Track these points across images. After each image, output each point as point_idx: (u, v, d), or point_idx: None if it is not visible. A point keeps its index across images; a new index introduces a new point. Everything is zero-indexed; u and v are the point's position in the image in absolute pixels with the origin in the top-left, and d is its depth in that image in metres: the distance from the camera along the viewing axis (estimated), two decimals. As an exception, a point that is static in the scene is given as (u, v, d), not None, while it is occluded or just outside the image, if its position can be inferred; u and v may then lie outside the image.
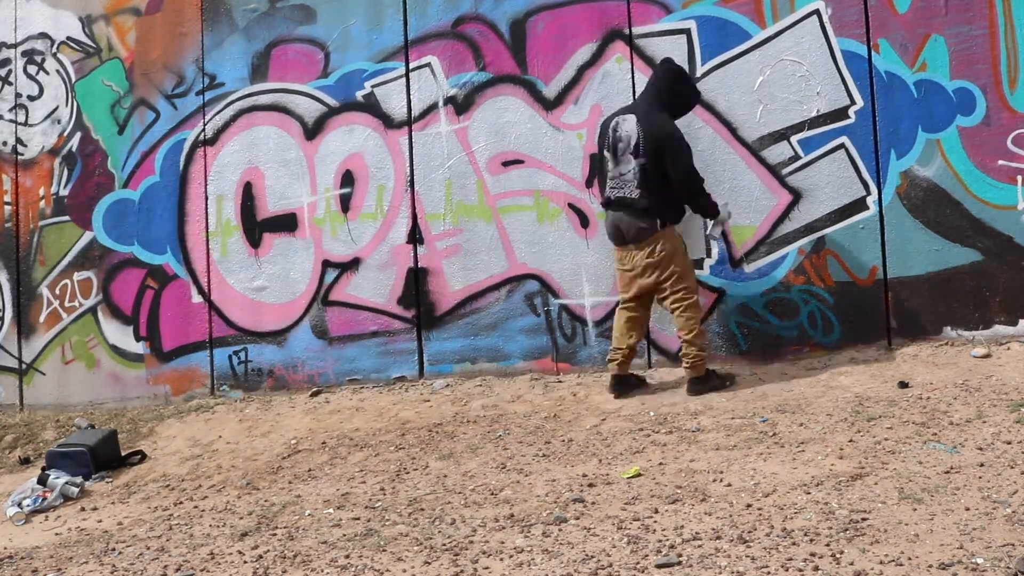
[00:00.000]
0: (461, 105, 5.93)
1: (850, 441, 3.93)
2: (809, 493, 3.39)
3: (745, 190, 5.40)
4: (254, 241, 6.34)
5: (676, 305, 4.93)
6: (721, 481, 3.65)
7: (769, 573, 2.73)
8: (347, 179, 6.15)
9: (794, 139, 5.36)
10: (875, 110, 5.24)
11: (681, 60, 5.50)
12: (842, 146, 5.29)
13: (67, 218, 6.81)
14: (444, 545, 3.29)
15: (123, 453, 5.46)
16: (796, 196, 5.36)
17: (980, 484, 3.29)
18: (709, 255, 5.46)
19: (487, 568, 3.04)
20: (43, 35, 6.95)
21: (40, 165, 6.92)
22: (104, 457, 5.28)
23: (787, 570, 2.74)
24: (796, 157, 5.36)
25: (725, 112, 5.45)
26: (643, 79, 5.58)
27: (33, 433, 6.26)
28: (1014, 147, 5.04)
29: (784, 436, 4.11)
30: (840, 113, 5.30)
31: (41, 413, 6.63)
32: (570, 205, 5.74)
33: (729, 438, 4.19)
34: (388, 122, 6.07)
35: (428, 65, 6.00)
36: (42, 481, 4.88)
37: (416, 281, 5.99)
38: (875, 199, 5.24)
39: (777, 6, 5.41)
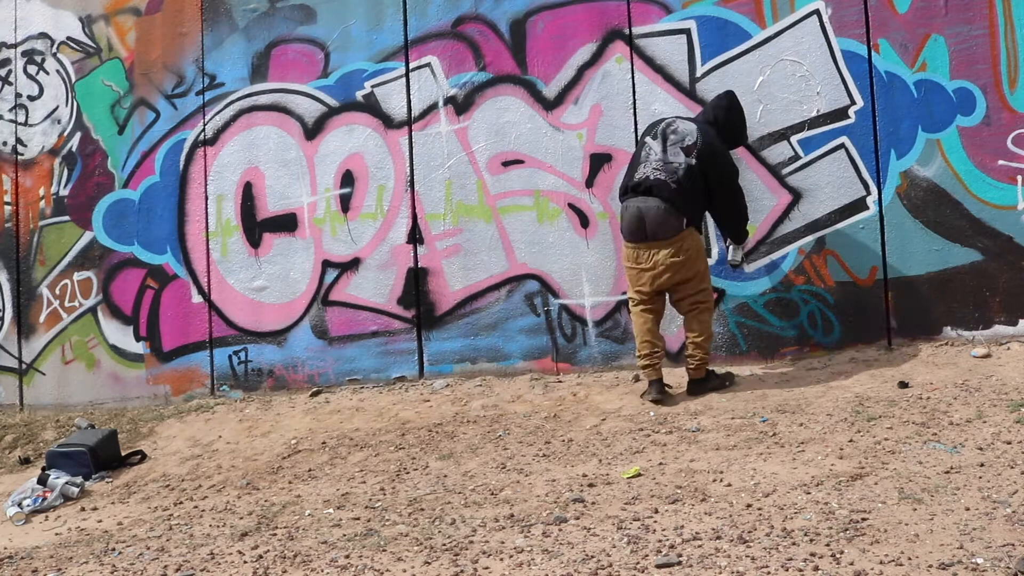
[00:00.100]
0: (461, 105, 5.93)
1: (850, 441, 3.93)
2: (809, 493, 3.39)
3: (745, 190, 5.39)
4: (254, 241, 6.34)
5: (693, 307, 4.85)
6: (721, 481, 3.65)
7: (769, 573, 2.73)
8: (347, 179, 6.15)
9: (794, 139, 5.36)
10: (875, 110, 5.24)
11: (681, 60, 5.52)
12: (842, 146, 5.29)
13: (67, 218, 6.81)
14: (444, 545, 3.29)
15: (123, 453, 5.46)
16: (796, 196, 5.36)
17: (980, 484, 3.29)
18: (709, 255, 5.45)
19: (487, 568, 3.04)
20: (43, 35, 6.96)
21: (40, 165, 6.92)
22: (104, 457, 5.28)
23: (787, 570, 2.74)
24: (796, 157, 5.36)
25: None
26: (643, 79, 5.59)
27: (33, 433, 6.26)
28: (1014, 147, 5.04)
29: (784, 436, 4.11)
30: (840, 113, 5.30)
31: (41, 413, 6.63)
32: (570, 205, 5.74)
33: (729, 438, 4.19)
34: (388, 122, 6.07)
35: (428, 65, 6.00)
36: (42, 481, 4.88)
37: (416, 281, 5.99)
38: (875, 199, 5.24)
39: (777, 6, 5.41)
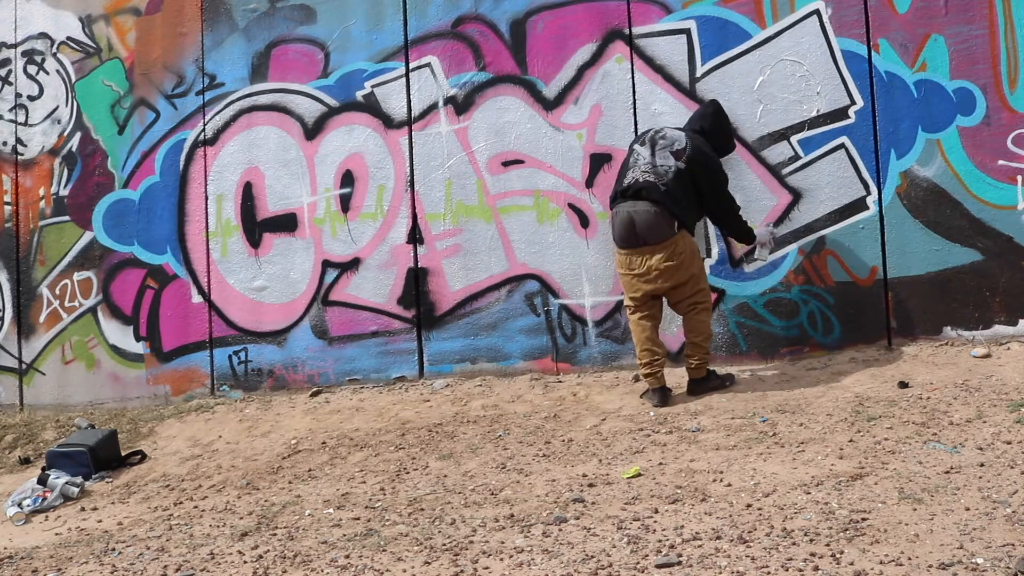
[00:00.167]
0: (461, 105, 5.93)
1: (850, 441, 3.93)
2: (809, 493, 3.39)
3: (745, 190, 5.40)
4: (254, 241, 6.34)
5: (692, 308, 4.84)
6: (721, 481, 3.65)
7: (769, 573, 2.73)
8: (347, 179, 6.15)
9: (794, 139, 5.36)
10: (875, 110, 5.24)
11: (681, 60, 5.52)
12: (842, 146, 5.29)
13: (67, 218, 6.81)
14: (444, 545, 3.29)
15: (123, 453, 5.46)
16: (796, 196, 5.36)
17: (980, 484, 3.29)
18: (709, 255, 5.45)
19: (487, 568, 3.04)
20: (43, 35, 6.96)
21: (40, 165, 6.92)
22: (104, 457, 5.28)
23: (787, 570, 2.74)
24: (796, 157, 5.36)
25: (725, 112, 5.44)
26: (643, 79, 5.59)
27: (33, 433, 6.26)
28: (1014, 147, 5.04)
29: (784, 436, 4.11)
30: (840, 113, 5.30)
31: (41, 413, 6.63)
32: (570, 205, 5.74)
33: (729, 438, 4.19)
34: (388, 122, 6.08)
35: (428, 65, 6.00)
36: (42, 481, 4.88)
37: (416, 281, 5.99)
38: (875, 199, 5.24)
39: (777, 6, 5.41)
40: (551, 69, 5.77)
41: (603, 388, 5.28)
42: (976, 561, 2.66)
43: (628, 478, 3.82)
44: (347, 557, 3.30)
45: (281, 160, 6.30)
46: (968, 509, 3.07)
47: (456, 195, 5.93)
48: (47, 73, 6.94)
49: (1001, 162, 5.06)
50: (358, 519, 3.76)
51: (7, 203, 6.97)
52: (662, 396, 4.85)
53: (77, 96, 6.84)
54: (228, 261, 6.39)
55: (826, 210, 5.32)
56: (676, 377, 5.21)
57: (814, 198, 5.34)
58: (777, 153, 5.39)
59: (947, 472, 3.45)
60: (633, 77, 5.61)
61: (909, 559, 2.72)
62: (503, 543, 3.25)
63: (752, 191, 5.40)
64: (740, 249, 5.31)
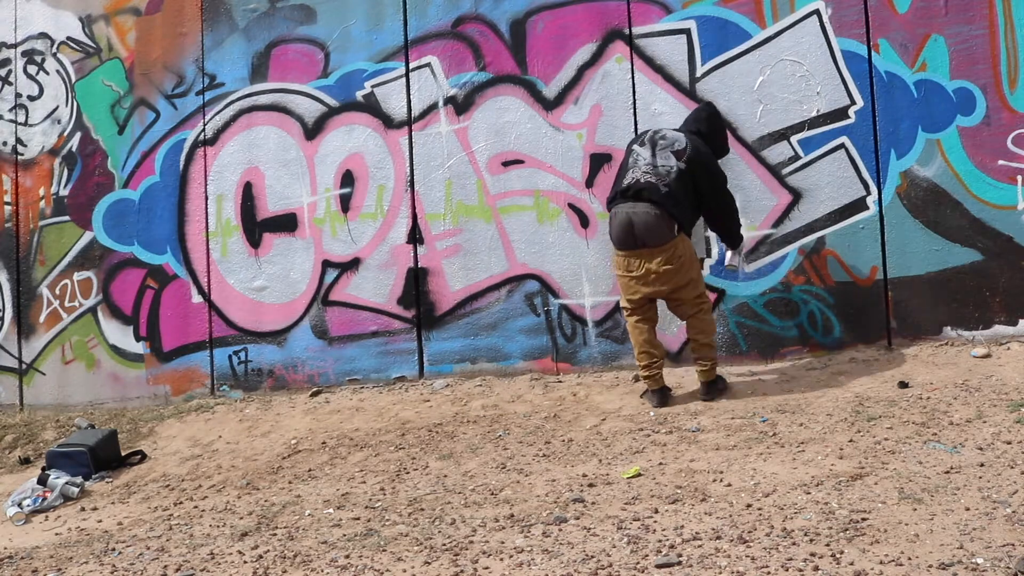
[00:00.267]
0: (461, 105, 5.93)
1: (850, 441, 3.93)
2: (809, 493, 3.39)
3: (745, 190, 5.40)
4: (254, 241, 6.34)
5: (695, 310, 4.79)
6: (721, 481, 3.65)
7: (769, 573, 2.73)
8: (347, 179, 6.15)
9: (794, 139, 5.36)
10: (875, 110, 5.24)
11: (681, 60, 5.52)
12: (842, 146, 5.29)
13: (67, 218, 6.81)
14: (444, 545, 3.29)
15: (123, 453, 5.46)
16: (796, 196, 5.36)
17: (980, 484, 3.29)
18: (709, 255, 5.45)
19: (487, 568, 3.04)
20: (43, 35, 6.96)
21: (40, 165, 6.92)
22: (104, 457, 5.28)
23: (787, 570, 2.74)
24: (796, 157, 5.36)
25: (725, 112, 5.44)
26: (643, 79, 5.59)
27: (33, 433, 6.26)
28: (1014, 147, 5.04)
29: (784, 436, 4.11)
30: (840, 113, 5.30)
31: (41, 413, 6.63)
32: (570, 205, 5.74)
33: (729, 438, 4.19)
34: (388, 122, 6.08)
35: (428, 65, 6.00)
36: (42, 481, 4.88)
37: (416, 281, 5.99)
38: (875, 199, 5.24)
39: (777, 6, 5.41)
40: (551, 69, 5.77)
41: (603, 388, 5.28)
42: (976, 561, 2.66)
43: (628, 478, 3.82)
44: (347, 557, 3.30)
45: (281, 160, 6.30)
46: (968, 509, 3.07)
47: (456, 195, 5.93)
48: (47, 73, 6.94)
49: (1001, 162, 5.06)
50: (358, 519, 3.76)
51: (7, 203, 6.97)
52: (662, 397, 4.84)
53: (77, 96, 6.84)
54: (228, 261, 6.39)
55: (826, 210, 5.32)
56: (676, 377, 5.21)
57: (814, 198, 5.34)
58: (777, 153, 5.39)
59: (947, 472, 3.45)
60: (633, 77, 5.61)
61: (909, 559, 2.72)
62: (503, 543, 3.25)
63: (752, 191, 5.40)
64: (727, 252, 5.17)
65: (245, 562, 3.40)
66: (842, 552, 2.81)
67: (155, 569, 3.45)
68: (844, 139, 5.29)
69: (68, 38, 6.88)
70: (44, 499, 4.74)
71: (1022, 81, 5.04)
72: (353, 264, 6.12)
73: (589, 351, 5.68)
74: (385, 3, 6.11)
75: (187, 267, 6.47)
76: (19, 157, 6.97)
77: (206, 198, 6.46)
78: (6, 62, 7.05)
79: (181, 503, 4.45)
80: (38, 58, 6.97)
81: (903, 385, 4.63)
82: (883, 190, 5.23)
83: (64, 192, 6.82)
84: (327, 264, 6.18)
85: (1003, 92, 5.06)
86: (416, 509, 3.79)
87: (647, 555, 2.97)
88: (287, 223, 6.28)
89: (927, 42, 5.17)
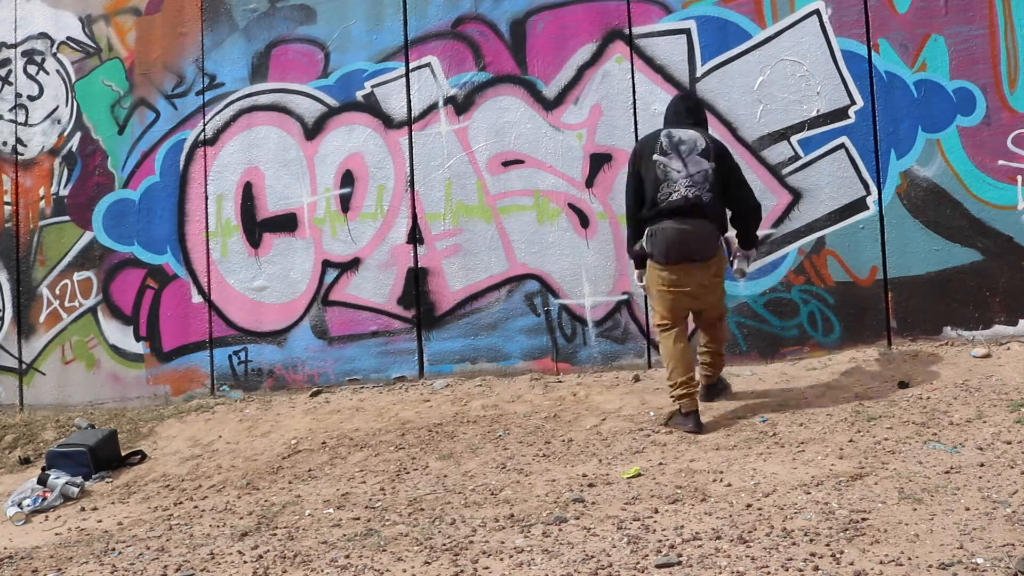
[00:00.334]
0: (461, 105, 5.93)
1: (850, 441, 3.93)
2: (809, 493, 3.39)
3: (745, 190, 5.39)
4: (254, 241, 6.34)
5: (720, 319, 4.66)
6: (721, 481, 3.65)
7: (769, 573, 2.73)
8: (347, 179, 6.15)
9: (794, 139, 5.36)
10: (875, 110, 5.25)
11: (681, 60, 5.52)
12: (842, 146, 5.29)
13: (67, 218, 6.81)
14: (444, 545, 3.29)
15: (123, 453, 5.46)
16: (796, 196, 5.36)
17: (980, 484, 3.29)
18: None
19: (487, 568, 3.04)
20: (43, 35, 6.96)
21: (40, 165, 6.92)
22: (104, 457, 5.28)
23: (787, 570, 2.74)
24: (796, 157, 5.36)
25: (725, 112, 5.45)
26: (643, 79, 5.59)
27: (33, 433, 6.26)
28: (1014, 147, 5.04)
29: (784, 436, 4.11)
30: (840, 113, 5.30)
31: (41, 413, 6.63)
32: (570, 205, 5.74)
33: (729, 438, 4.19)
34: (388, 122, 6.08)
35: (428, 65, 6.00)
36: (42, 481, 4.87)
37: (416, 281, 5.99)
38: (875, 199, 5.24)
39: (777, 6, 5.41)
40: (551, 69, 5.77)
41: (603, 388, 5.28)
42: (976, 561, 2.66)
43: (628, 478, 3.82)
44: (347, 557, 3.30)
45: (281, 160, 6.30)
46: (968, 509, 3.07)
47: (456, 195, 5.93)
48: (47, 73, 6.94)
49: (1001, 162, 5.06)
50: (358, 519, 3.76)
51: (7, 203, 6.97)
52: (697, 420, 4.41)
53: (77, 96, 6.84)
54: (228, 261, 6.39)
55: (826, 210, 5.32)
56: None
57: (814, 198, 5.34)
58: (777, 153, 5.39)
59: (947, 472, 3.45)
60: (633, 77, 5.61)
61: (909, 559, 2.72)
62: (503, 543, 3.25)
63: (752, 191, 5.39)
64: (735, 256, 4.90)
65: (245, 562, 3.40)
66: (842, 552, 2.81)
67: (155, 569, 3.45)
68: (844, 139, 5.29)
69: (68, 38, 6.88)
70: (44, 499, 4.74)
71: (1022, 81, 5.04)
72: (353, 264, 6.12)
73: (589, 351, 5.68)
74: (385, 3, 6.11)
75: (187, 267, 6.47)
76: (19, 157, 6.97)
77: (206, 198, 6.46)
78: (6, 62, 7.05)
79: (181, 503, 4.45)
80: (38, 58, 6.97)
81: (903, 385, 4.63)
82: (883, 190, 5.23)
83: (64, 192, 6.82)
84: (327, 264, 6.18)
85: (1003, 92, 5.06)
86: (416, 509, 3.79)
87: (647, 555, 2.97)
88: (287, 223, 6.28)
89: (927, 42, 5.17)
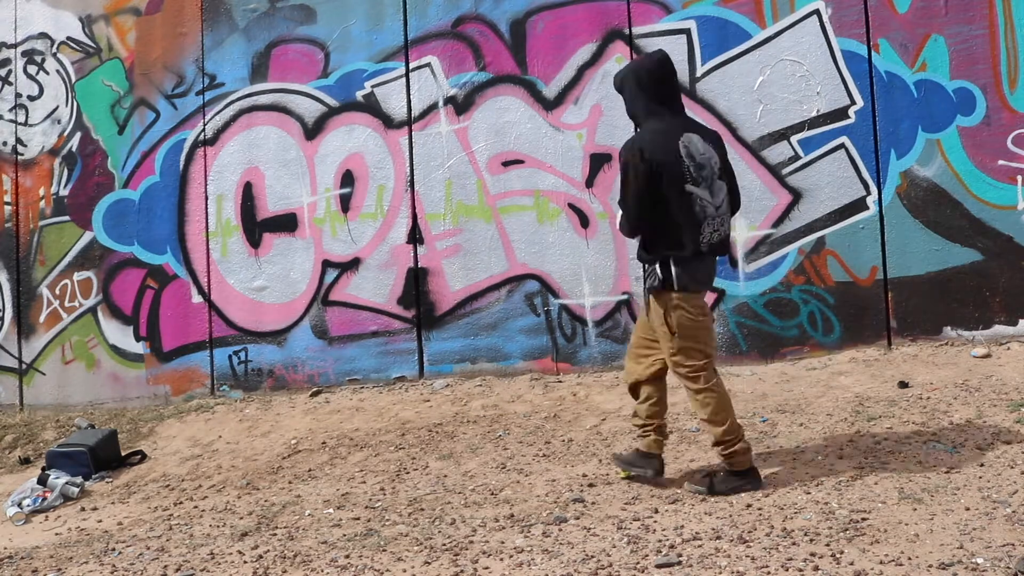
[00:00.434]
0: (461, 105, 5.93)
1: (850, 441, 3.93)
2: (809, 493, 3.39)
3: (745, 190, 5.38)
4: (254, 241, 6.34)
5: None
6: (721, 481, 3.65)
7: (769, 573, 2.73)
8: (347, 179, 6.15)
9: (794, 139, 5.36)
10: (875, 110, 5.25)
11: (681, 60, 5.52)
12: (842, 146, 5.30)
13: (67, 218, 6.81)
14: (444, 545, 3.29)
15: (123, 453, 5.46)
16: (796, 196, 5.36)
17: (980, 484, 3.29)
18: (709, 255, 5.44)
19: (487, 568, 3.04)
20: (43, 35, 6.96)
21: (40, 165, 6.92)
22: (104, 457, 5.28)
23: (787, 570, 2.74)
24: (796, 157, 5.36)
25: (725, 112, 5.45)
26: (643, 79, 5.58)
27: (33, 433, 6.26)
28: (1014, 147, 5.04)
29: (784, 436, 4.11)
30: (840, 113, 5.30)
31: (41, 413, 6.63)
32: (570, 205, 5.74)
33: (729, 438, 4.19)
34: (388, 122, 6.07)
35: (428, 65, 6.00)
36: (42, 481, 4.88)
37: (416, 281, 5.99)
38: (875, 199, 5.24)
39: (777, 6, 5.41)
40: (551, 69, 5.77)
41: (603, 388, 5.28)
42: (976, 561, 2.66)
43: (624, 478, 3.82)
44: (347, 557, 3.30)
45: (281, 160, 6.30)
46: (968, 509, 3.07)
47: (456, 195, 5.93)
48: (47, 73, 6.94)
49: (1001, 162, 5.06)
50: (358, 519, 3.76)
51: (7, 203, 6.97)
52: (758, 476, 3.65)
53: (77, 96, 6.83)
54: (228, 261, 6.39)
55: (826, 210, 5.32)
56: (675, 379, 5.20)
57: (814, 198, 5.34)
58: (777, 153, 5.39)
59: (947, 472, 3.45)
60: (633, 77, 5.60)
61: (909, 559, 2.72)
62: (503, 543, 3.25)
63: (752, 191, 5.39)
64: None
65: (245, 562, 3.40)
66: (842, 552, 2.81)
67: (155, 569, 3.45)
68: (844, 139, 5.29)
69: (68, 38, 6.88)
70: (44, 499, 4.74)
71: (1022, 81, 5.04)
72: (353, 264, 6.12)
73: (589, 351, 5.68)
74: (385, 3, 6.11)
75: (187, 267, 6.47)
76: (19, 157, 6.97)
77: (206, 198, 6.46)
78: (6, 62, 7.05)
79: (181, 503, 4.45)
80: (38, 58, 6.97)
81: (903, 385, 4.63)
82: (883, 190, 5.23)
83: (64, 192, 6.82)
84: (327, 264, 6.18)
85: (1003, 92, 5.06)
86: (416, 509, 3.79)
87: (647, 555, 2.97)
88: (287, 223, 6.28)
89: (927, 42, 5.17)
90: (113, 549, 3.81)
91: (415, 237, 6.00)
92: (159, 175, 6.58)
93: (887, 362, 5.00)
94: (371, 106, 6.11)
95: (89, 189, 6.76)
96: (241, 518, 4.02)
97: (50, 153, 6.89)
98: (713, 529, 3.13)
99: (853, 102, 5.28)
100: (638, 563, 2.92)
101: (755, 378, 5.11)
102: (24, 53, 7.01)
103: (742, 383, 5.03)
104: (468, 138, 5.91)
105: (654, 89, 3.64)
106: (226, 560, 3.46)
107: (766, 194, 5.39)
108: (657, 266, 3.62)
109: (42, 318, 6.84)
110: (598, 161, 5.67)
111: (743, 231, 5.42)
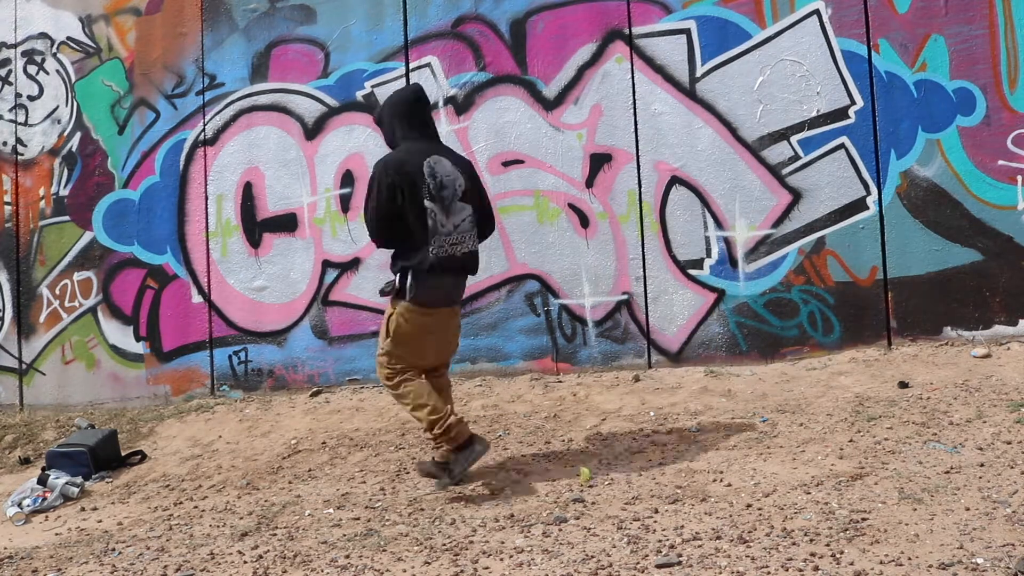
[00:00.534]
0: (461, 105, 5.93)
1: (850, 441, 3.93)
2: (809, 493, 3.39)
3: (745, 190, 5.40)
4: (254, 241, 6.34)
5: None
6: (721, 481, 3.65)
7: (769, 573, 2.73)
8: (347, 179, 6.15)
9: (794, 139, 5.36)
10: (875, 110, 5.25)
11: (681, 60, 5.52)
12: (842, 146, 5.29)
13: (67, 218, 6.81)
14: (444, 545, 3.29)
15: (123, 453, 5.45)
16: (796, 196, 5.36)
17: (980, 484, 3.29)
18: (710, 255, 5.45)
19: (487, 568, 3.04)
20: (43, 35, 6.95)
21: (40, 165, 6.91)
22: (104, 457, 5.28)
23: (787, 570, 2.74)
24: (796, 157, 5.36)
25: (725, 112, 5.46)
26: (643, 79, 5.59)
27: (33, 433, 6.26)
28: (1014, 147, 5.04)
29: (784, 436, 4.11)
30: (840, 113, 5.30)
31: (41, 413, 6.63)
32: (570, 205, 5.74)
33: (729, 438, 4.19)
34: (388, 122, 6.06)
35: (428, 65, 6.00)
36: (42, 481, 4.87)
37: (416, 281, 5.98)
38: (875, 199, 5.24)
39: (777, 6, 5.41)
40: (551, 69, 5.77)
41: (603, 388, 5.28)
42: (976, 561, 2.66)
43: (583, 482, 3.82)
44: (347, 557, 3.30)
45: (281, 160, 6.30)
46: (968, 509, 3.07)
47: (456, 195, 5.92)
48: (47, 73, 6.94)
49: (1001, 162, 5.06)
50: (358, 519, 3.76)
51: (7, 203, 6.97)
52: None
53: (77, 96, 6.83)
54: (228, 261, 6.39)
55: (826, 210, 5.32)
56: (676, 377, 5.21)
57: (814, 198, 5.34)
58: (777, 153, 5.39)
59: (947, 472, 3.45)
60: (633, 77, 5.61)
61: (909, 559, 2.72)
62: (503, 543, 3.25)
63: (752, 191, 5.40)
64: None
65: (245, 562, 3.40)
66: (842, 552, 2.81)
67: (155, 569, 3.45)
68: (844, 139, 5.29)
69: (68, 38, 6.88)
70: (44, 499, 4.74)
71: (1022, 81, 5.04)
72: (353, 264, 6.12)
73: (589, 351, 5.68)
74: (385, 3, 6.11)
75: (187, 267, 6.47)
76: (19, 157, 6.97)
77: (206, 198, 6.46)
78: (6, 62, 7.05)
79: (181, 503, 4.45)
80: (38, 58, 6.97)
81: (903, 385, 4.63)
82: (883, 190, 5.23)
83: (64, 192, 6.82)
84: (327, 264, 6.18)
85: (1003, 92, 5.06)
86: (416, 509, 3.79)
87: (647, 555, 2.97)
88: (287, 223, 6.27)
89: (927, 42, 5.17)
90: (113, 549, 3.81)
91: (415, 237, 5.99)
92: (159, 175, 6.58)
93: (887, 362, 5.00)
94: (371, 106, 6.10)
95: (89, 189, 6.76)
96: (241, 518, 4.02)
97: (50, 153, 6.89)
98: (713, 529, 3.13)
99: (853, 102, 5.28)
100: (638, 563, 2.92)
101: (755, 378, 5.11)
102: (24, 53, 7.01)
103: (742, 383, 5.03)
104: (468, 138, 5.91)
105: (408, 117, 4.07)
106: (226, 560, 3.46)
107: (766, 194, 5.39)
108: (397, 276, 3.94)
109: (42, 318, 6.84)
110: (598, 161, 5.67)
111: (743, 231, 5.42)
